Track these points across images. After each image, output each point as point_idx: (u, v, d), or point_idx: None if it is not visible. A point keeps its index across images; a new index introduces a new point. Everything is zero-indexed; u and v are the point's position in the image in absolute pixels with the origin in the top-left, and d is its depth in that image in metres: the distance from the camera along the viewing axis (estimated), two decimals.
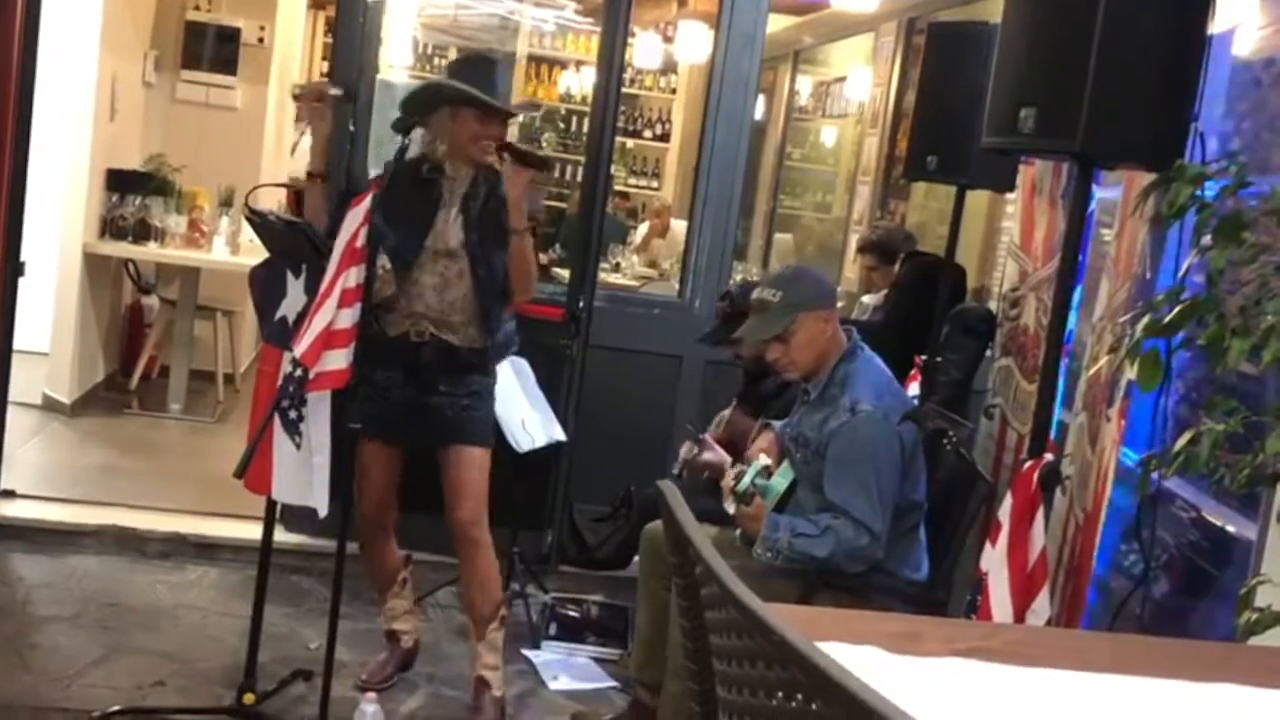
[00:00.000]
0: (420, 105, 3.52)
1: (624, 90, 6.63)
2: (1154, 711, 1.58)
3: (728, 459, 3.68)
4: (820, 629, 1.29)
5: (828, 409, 3.28)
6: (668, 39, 9.59)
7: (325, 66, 9.20)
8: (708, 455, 3.75)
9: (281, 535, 4.07)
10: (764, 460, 3.41)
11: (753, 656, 1.11)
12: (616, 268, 7.80)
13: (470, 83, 3.48)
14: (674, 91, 10.44)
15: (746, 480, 3.31)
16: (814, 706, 1.00)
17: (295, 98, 3.72)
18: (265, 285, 3.49)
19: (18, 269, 4.80)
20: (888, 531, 3.17)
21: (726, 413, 4.18)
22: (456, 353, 3.59)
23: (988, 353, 4.43)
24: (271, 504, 3.53)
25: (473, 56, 4.52)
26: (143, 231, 6.42)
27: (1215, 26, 2.81)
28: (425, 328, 3.59)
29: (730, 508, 3.34)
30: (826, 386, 3.33)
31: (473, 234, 3.54)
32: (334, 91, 3.58)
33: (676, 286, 5.49)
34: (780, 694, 1.05)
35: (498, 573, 3.74)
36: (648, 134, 10.39)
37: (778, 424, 3.60)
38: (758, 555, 3.18)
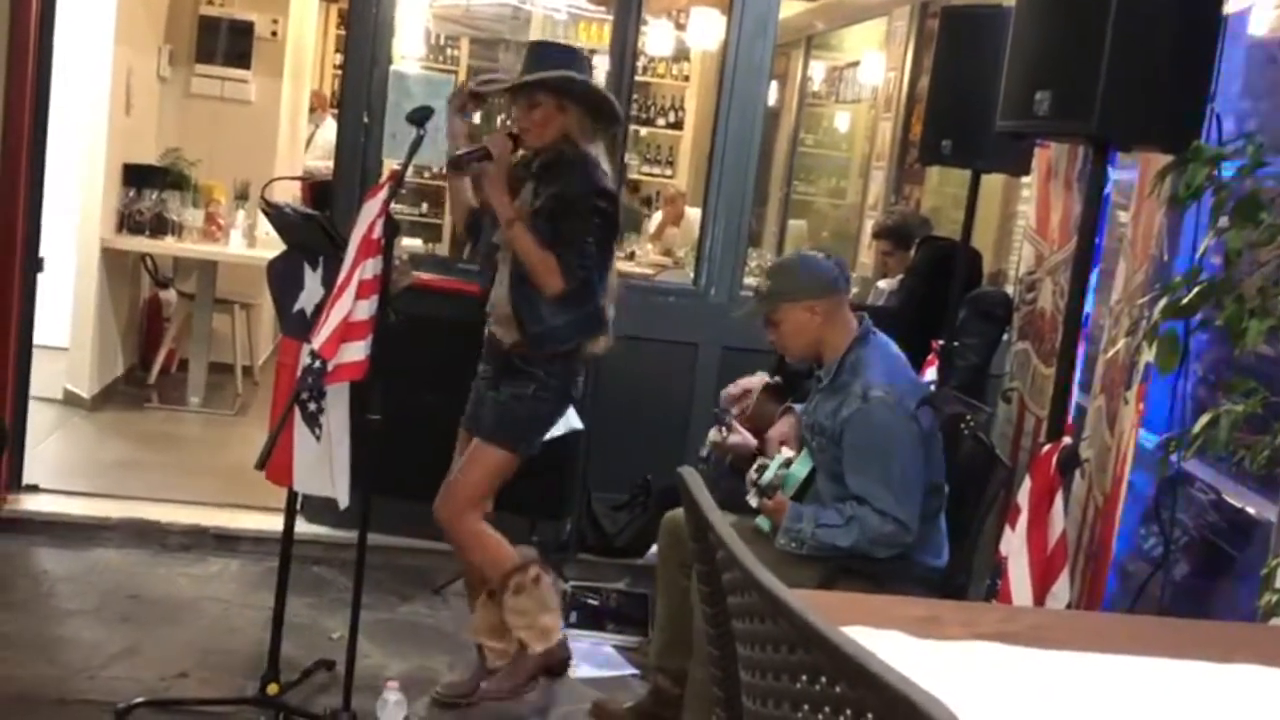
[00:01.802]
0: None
1: (637, 78, 6.62)
2: (1175, 692, 1.58)
3: (753, 442, 3.69)
4: (841, 614, 1.30)
5: (840, 396, 3.28)
6: (680, 26, 9.57)
7: (338, 59, 9.23)
8: (734, 439, 3.76)
9: (302, 526, 4.10)
10: (787, 453, 3.43)
11: (775, 640, 1.12)
12: (631, 256, 7.80)
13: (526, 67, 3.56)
14: (687, 78, 10.42)
15: (770, 473, 3.31)
16: (837, 689, 1.00)
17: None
18: (282, 278, 3.50)
19: (37, 265, 4.83)
20: (916, 515, 3.16)
21: (751, 380, 4.16)
22: (507, 355, 3.61)
23: (1005, 337, 4.42)
24: (292, 495, 3.55)
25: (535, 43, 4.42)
26: (160, 226, 6.45)
27: (1230, 6, 2.80)
28: (491, 326, 3.65)
29: (754, 501, 3.35)
30: (838, 373, 3.33)
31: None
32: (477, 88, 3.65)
33: (691, 274, 5.49)
34: (804, 677, 1.05)
35: (500, 555, 3.67)
36: (661, 121, 10.37)
37: (799, 407, 3.60)
38: (781, 546, 3.19)
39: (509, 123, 3.56)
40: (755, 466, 3.34)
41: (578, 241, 3.50)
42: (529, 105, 3.54)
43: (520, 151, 3.61)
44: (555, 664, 3.72)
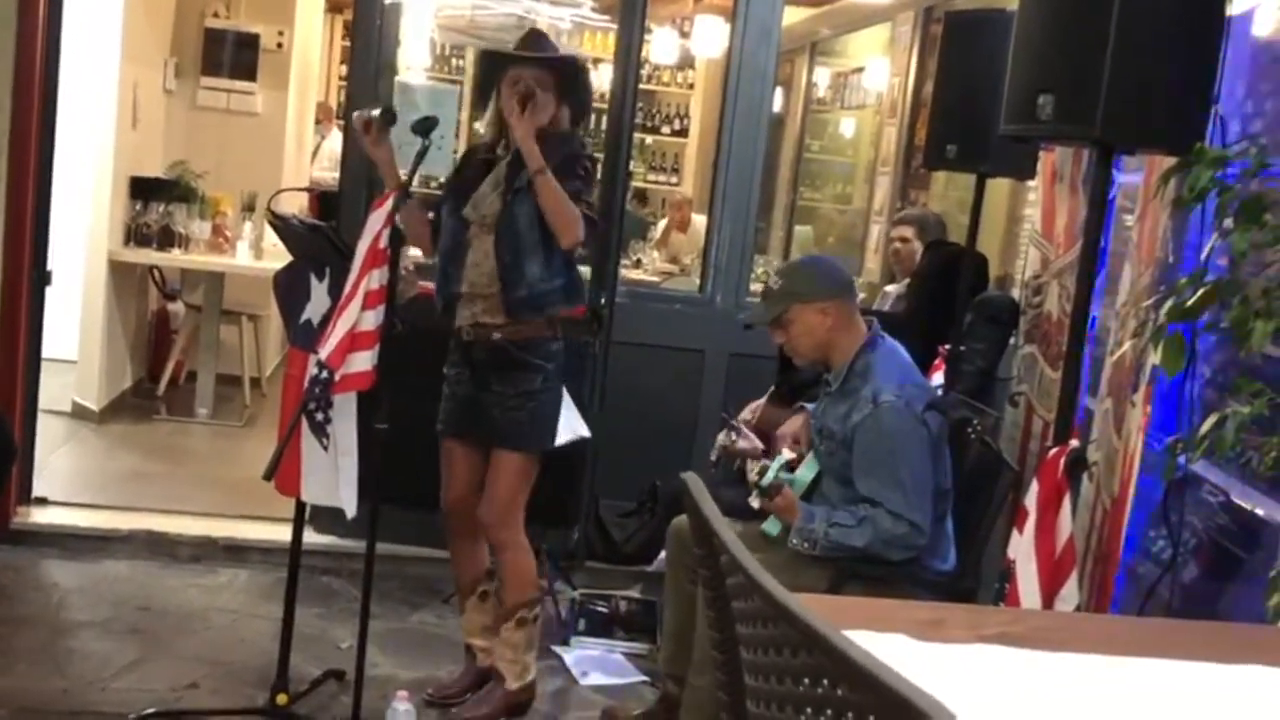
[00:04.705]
0: (483, 82, 3.64)
1: (642, 86, 6.64)
2: (1182, 693, 1.57)
3: (761, 446, 3.69)
4: (846, 617, 1.30)
5: (850, 401, 3.28)
6: (684, 34, 9.59)
7: (344, 70, 9.25)
8: (743, 443, 3.77)
9: (311, 536, 4.11)
10: (787, 454, 3.43)
11: (779, 644, 1.12)
12: (638, 263, 7.80)
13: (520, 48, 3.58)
14: (692, 86, 10.44)
15: (770, 475, 3.31)
16: (840, 692, 1.01)
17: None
18: (289, 289, 3.51)
19: (45, 278, 4.84)
20: (929, 518, 3.16)
21: (760, 402, 4.18)
22: (501, 349, 3.55)
23: (1011, 341, 4.42)
24: (301, 506, 3.55)
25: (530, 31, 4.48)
26: (167, 238, 6.46)
27: (1234, 7, 2.79)
28: (476, 316, 3.56)
29: (755, 502, 3.35)
30: (847, 377, 3.33)
31: (507, 201, 3.50)
32: (372, 114, 3.56)
33: (698, 281, 5.50)
34: (807, 680, 1.06)
35: (528, 575, 3.70)
36: (666, 129, 10.39)
37: (811, 406, 3.60)
38: (794, 546, 3.19)
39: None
40: (757, 469, 3.34)
41: (581, 198, 3.53)
42: (536, 82, 3.50)
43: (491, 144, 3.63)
44: (522, 705, 3.73)
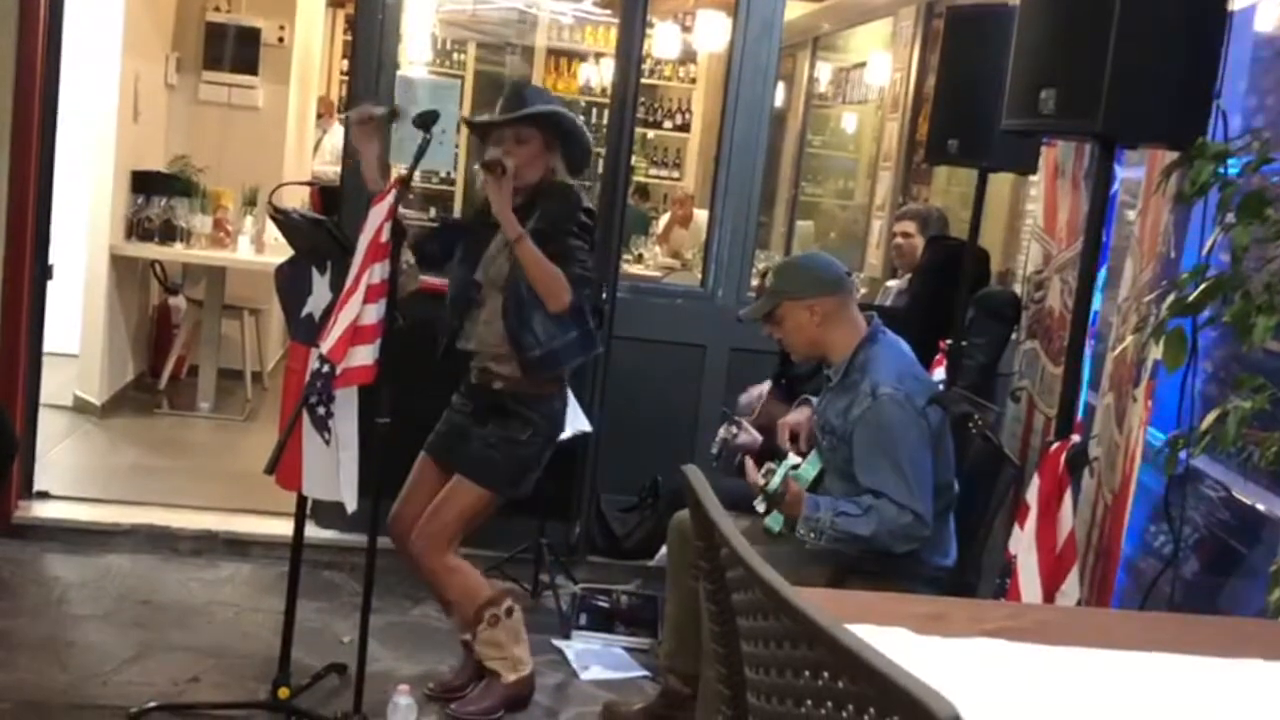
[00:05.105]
0: (480, 139, 3.70)
1: (643, 81, 6.63)
2: (1182, 688, 1.58)
3: (759, 439, 3.70)
4: (847, 612, 1.30)
5: (850, 395, 3.28)
6: (686, 28, 9.58)
7: (345, 65, 9.25)
8: (743, 438, 3.78)
9: (313, 531, 4.11)
10: (793, 458, 3.44)
11: (779, 637, 1.12)
12: (639, 258, 7.80)
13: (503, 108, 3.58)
14: (693, 81, 10.42)
15: (777, 479, 3.31)
16: (840, 684, 1.01)
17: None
18: (291, 282, 3.51)
19: (46, 272, 4.85)
20: (931, 510, 3.16)
21: (760, 387, 4.18)
22: (499, 395, 3.59)
23: (1013, 336, 4.41)
24: (302, 500, 3.55)
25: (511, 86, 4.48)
26: (168, 232, 6.46)
27: (1236, 2, 2.79)
28: (483, 363, 3.61)
29: (761, 507, 3.35)
30: (847, 372, 3.33)
31: (515, 263, 3.51)
32: (378, 111, 3.57)
33: (699, 276, 5.50)
34: (807, 672, 1.06)
35: (470, 587, 3.66)
36: (668, 124, 10.37)
37: (814, 399, 3.61)
38: (800, 536, 3.19)
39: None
40: (763, 471, 3.34)
41: (574, 254, 3.53)
42: (516, 140, 3.56)
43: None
44: (522, 697, 3.73)
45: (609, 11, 8.66)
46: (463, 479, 3.61)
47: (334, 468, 3.23)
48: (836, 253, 4.31)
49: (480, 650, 3.68)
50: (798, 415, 3.63)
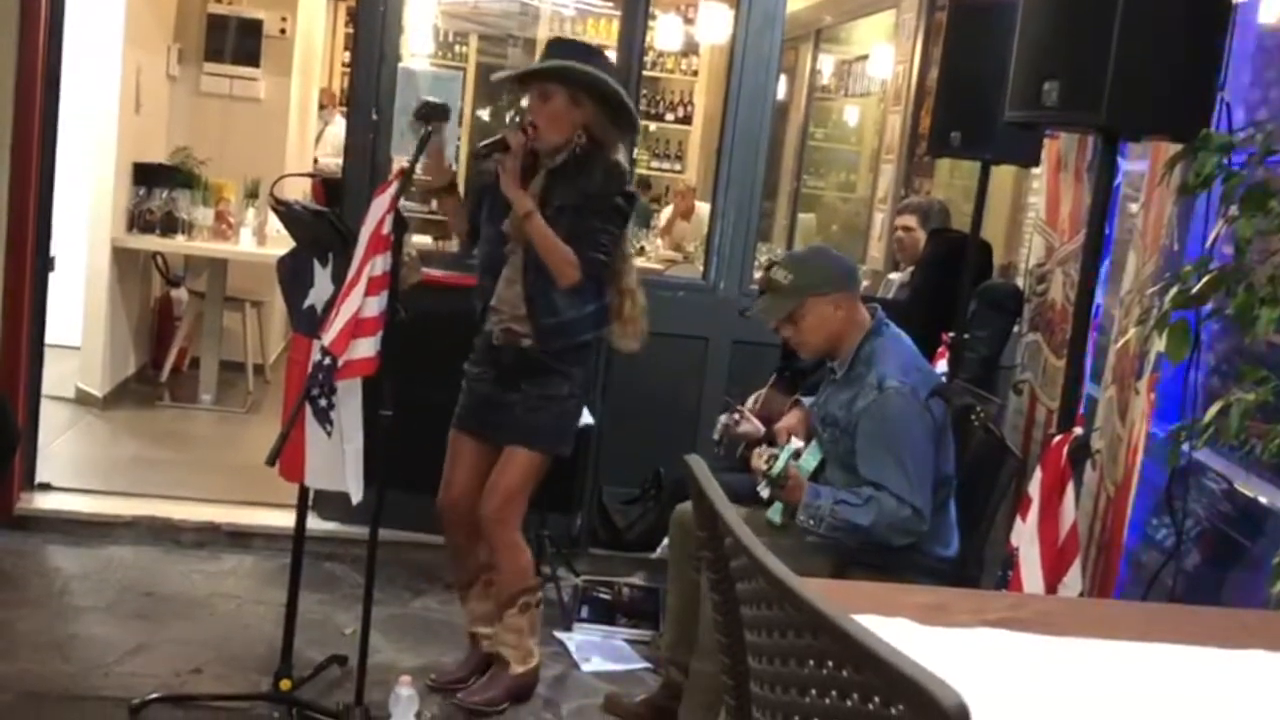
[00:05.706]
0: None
1: (645, 73, 6.62)
2: (1184, 678, 1.58)
3: (762, 429, 3.71)
4: (850, 602, 1.30)
5: (855, 387, 3.28)
6: (688, 20, 9.57)
7: (347, 56, 9.24)
8: (745, 426, 3.79)
9: (314, 523, 4.11)
10: (796, 443, 3.43)
11: (783, 626, 1.12)
12: (641, 251, 7.79)
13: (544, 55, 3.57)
14: (696, 73, 10.41)
15: (780, 463, 3.30)
16: (844, 673, 1.01)
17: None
18: (292, 274, 3.51)
19: (48, 264, 4.85)
20: (930, 505, 3.17)
21: (763, 392, 4.19)
22: (529, 354, 3.55)
23: (1015, 328, 4.41)
24: (304, 491, 3.56)
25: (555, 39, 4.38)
26: (170, 224, 6.47)
27: None
28: (505, 323, 3.56)
29: (764, 492, 3.35)
30: (852, 365, 3.33)
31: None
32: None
33: (701, 269, 5.50)
34: (811, 662, 1.06)
35: (525, 570, 3.70)
36: (670, 117, 10.36)
37: (808, 400, 3.61)
38: (800, 524, 3.19)
39: (519, 119, 3.50)
40: (766, 457, 3.34)
41: (596, 237, 3.49)
42: (541, 97, 3.50)
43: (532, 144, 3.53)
44: (526, 689, 3.74)
45: (611, 3, 8.66)
46: (515, 449, 3.58)
47: (337, 459, 3.23)
48: (839, 245, 4.32)
49: (500, 635, 3.68)
50: (791, 419, 3.63)
